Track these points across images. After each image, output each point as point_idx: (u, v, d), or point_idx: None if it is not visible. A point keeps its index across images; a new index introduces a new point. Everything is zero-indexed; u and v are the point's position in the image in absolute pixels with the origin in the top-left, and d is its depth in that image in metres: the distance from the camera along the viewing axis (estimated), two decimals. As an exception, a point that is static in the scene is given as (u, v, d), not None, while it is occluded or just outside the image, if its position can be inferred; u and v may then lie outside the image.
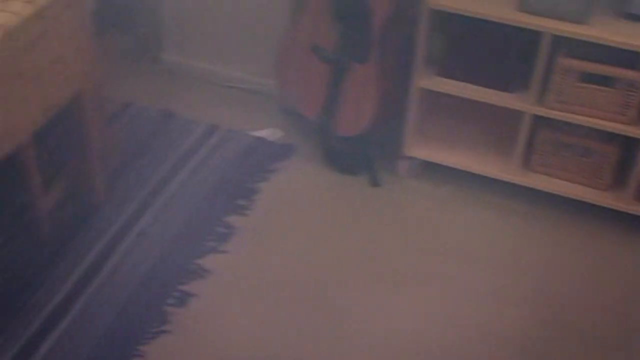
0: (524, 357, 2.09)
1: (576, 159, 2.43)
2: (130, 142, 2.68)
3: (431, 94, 2.48)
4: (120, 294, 2.15)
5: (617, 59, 2.22)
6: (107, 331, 2.06)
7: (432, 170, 2.61)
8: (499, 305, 2.21)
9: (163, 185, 2.51)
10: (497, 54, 2.37)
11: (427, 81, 2.42)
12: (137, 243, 2.30)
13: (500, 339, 2.12)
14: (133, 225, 2.36)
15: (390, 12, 2.35)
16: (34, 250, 2.25)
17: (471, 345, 2.11)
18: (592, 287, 2.29)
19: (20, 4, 1.83)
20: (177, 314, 2.13)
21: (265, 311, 2.16)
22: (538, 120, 2.39)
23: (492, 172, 2.51)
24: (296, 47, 2.59)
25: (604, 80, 2.25)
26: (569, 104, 2.30)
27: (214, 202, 2.47)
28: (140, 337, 2.05)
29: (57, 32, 1.92)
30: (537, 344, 2.12)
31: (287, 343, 2.08)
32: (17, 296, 2.12)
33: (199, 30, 2.93)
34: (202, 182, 2.54)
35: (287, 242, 2.38)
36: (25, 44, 1.81)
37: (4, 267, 2.20)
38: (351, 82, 2.47)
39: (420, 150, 2.56)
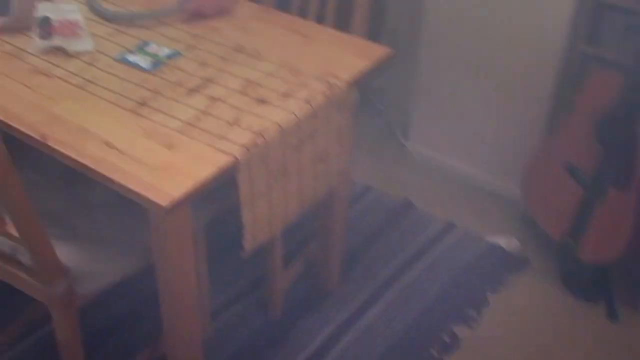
0: None
1: None
2: (367, 228, 2.72)
3: (692, 235, 2.30)
4: (339, 388, 2.17)
5: None
6: None
7: (680, 313, 2.41)
8: None
9: (395, 279, 2.52)
10: None
11: (692, 222, 2.25)
12: (362, 337, 2.31)
13: None
14: (360, 316, 2.38)
15: (660, 143, 2.22)
16: (263, 325, 2.34)
17: None
18: None
19: (298, 103, 1.91)
20: (391, 422, 2.11)
21: None
22: None
23: None
24: (549, 161, 2.51)
25: None
26: None
27: (443, 306, 2.43)
28: None
29: (325, 131, 1.99)
30: None
31: None
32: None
33: (447, 123, 2.93)
34: (433, 282, 2.51)
35: (511, 364, 2.29)
36: (295, 143, 1.89)
37: (233, 336, 2.30)
38: (605, 208, 2.35)
39: (671, 292, 2.38)
